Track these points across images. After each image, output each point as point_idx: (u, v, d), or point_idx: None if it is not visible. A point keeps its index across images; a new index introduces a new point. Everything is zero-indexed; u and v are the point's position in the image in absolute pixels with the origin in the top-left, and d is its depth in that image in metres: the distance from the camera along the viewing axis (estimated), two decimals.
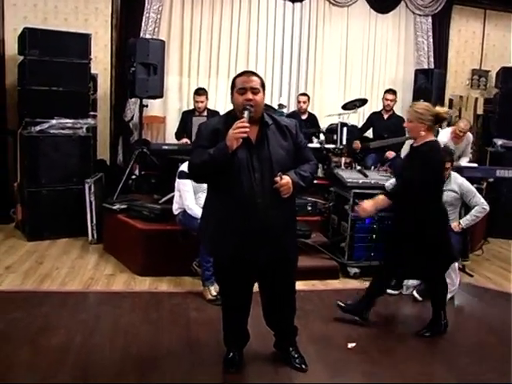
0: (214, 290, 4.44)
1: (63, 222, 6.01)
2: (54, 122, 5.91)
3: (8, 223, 6.49)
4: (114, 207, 5.50)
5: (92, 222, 5.88)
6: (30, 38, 5.94)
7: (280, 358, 3.49)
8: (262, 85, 3.04)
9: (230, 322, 3.41)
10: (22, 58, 6.23)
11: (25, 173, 6.02)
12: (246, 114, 2.88)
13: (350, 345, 3.80)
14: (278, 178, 2.93)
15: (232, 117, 3.01)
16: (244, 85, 2.96)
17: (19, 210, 6.23)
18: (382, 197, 3.93)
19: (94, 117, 6.44)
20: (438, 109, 3.88)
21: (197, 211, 4.49)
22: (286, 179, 2.94)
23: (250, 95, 2.94)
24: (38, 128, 5.86)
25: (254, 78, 2.99)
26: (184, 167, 4.72)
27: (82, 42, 6.17)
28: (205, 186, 4.70)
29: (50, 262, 5.25)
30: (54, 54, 5.97)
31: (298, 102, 7.31)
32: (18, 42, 6.30)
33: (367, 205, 3.92)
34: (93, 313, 4.22)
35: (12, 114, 6.86)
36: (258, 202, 2.95)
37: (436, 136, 4.68)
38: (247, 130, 2.83)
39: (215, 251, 3.22)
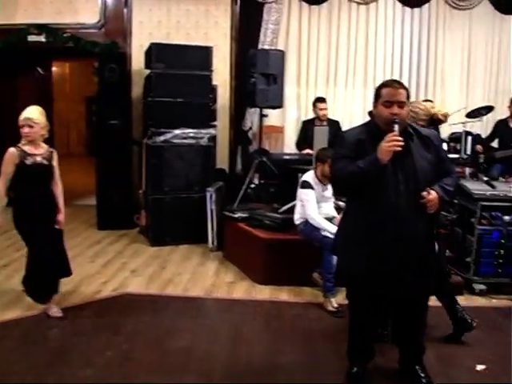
0: (334, 301, 4.36)
1: (184, 229, 6.20)
2: (177, 132, 6.13)
3: (132, 228, 6.82)
4: (235, 215, 5.58)
5: (213, 229, 6.00)
6: (156, 52, 6.21)
7: (405, 376, 3.33)
8: (408, 96, 2.94)
9: (356, 336, 3.29)
10: (147, 71, 6.54)
11: (149, 180, 6.28)
12: (396, 127, 2.80)
13: (479, 367, 3.55)
14: (425, 193, 2.84)
15: (374, 127, 2.97)
16: (391, 98, 2.88)
17: (143, 216, 6.52)
18: None
19: (214, 127, 6.59)
20: (436, 110, 3.63)
21: (319, 221, 4.44)
22: (434, 195, 2.86)
23: (396, 109, 2.85)
24: (162, 138, 6.10)
25: (401, 91, 2.90)
26: (306, 177, 4.70)
27: (203, 54, 6.36)
28: (328, 195, 4.71)
29: (172, 268, 5.42)
30: (177, 67, 6.19)
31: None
32: (145, 57, 6.61)
33: None
34: (215, 319, 4.29)
35: (137, 125, 7.21)
36: (403, 215, 2.86)
37: None
38: (401, 143, 2.77)
39: (351, 263, 3.10)
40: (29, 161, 3.95)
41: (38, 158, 4.00)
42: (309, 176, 4.73)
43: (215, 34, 7.49)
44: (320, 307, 4.45)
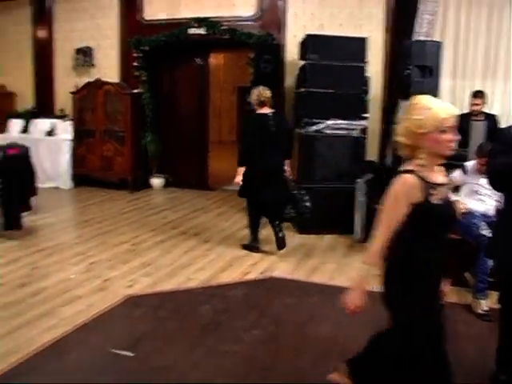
0: (484, 304, 4.16)
1: (331, 219, 6.24)
2: (329, 122, 6.19)
3: None
4: None
5: (360, 221, 5.99)
6: (311, 43, 6.30)
7: None
8: None
9: (510, 345, 3.07)
10: (301, 62, 6.65)
11: (300, 169, 6.40)
12: None
13: None
14: None
15: None
16: None
17: None
18: None
19: (366, 118, 6.54)
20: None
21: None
22: None
23: None
24: (314, 128, 6.19)
25: None
26: (468, 163, 4.69)
27: (358, 45, 6.34)
28: (485, 192, 4.51)
29: (318, 256, 5.51)
30: (331, 58, 6.23)
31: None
32: (300, 48, 6.72)
33: None
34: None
35: (288, 114, 7.37)
36: None
37: None
38: None
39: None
40: (435, 196, 2.32)
41: (444, 191, 2.40)
42: (470, 163, 4.67)
43: (369, 26, 7.41)
44: (468, 309, 4.26)
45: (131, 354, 3.36)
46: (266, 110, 5.37)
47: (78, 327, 3.74)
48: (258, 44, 7.56)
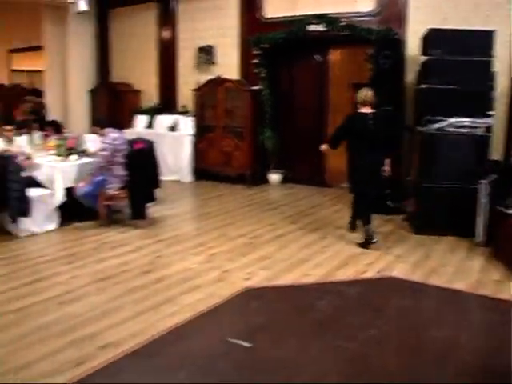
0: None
1: (451, 220, 6.04)
2: (452, 120, 5.98)
3: (398, 214, 6.87)
4: (510, 211, 5.26)
5: (483, 223, 5.74)
6: (434, 38, 6.13)
7: None
8: None
9: None
10: (423, 58, 6.47)
11: (420, 167, 6.25)
12: None
13: None
14: None
15: None
16: None
17: (411, 204, 6.53)
18: None
19: (491, 116, 6.24)
20: None
21: None
22: None
23: None
24: (436, 126, 6.01)
25: None
26: None
27: (484, 39, 6.05)
28: None
29: (436, 258, 5.36)
30: (455, 53, 6.00)
31: None
32: (422, 43, 6.54)
33: None
34: (478, 316, 4.17)
35: (409, 111, 7.22)
36: None
37: None
38: None
39: None
40: None
41: None
42: None
43: (496, 17, 7.03)
44: None
45: (248, 345, 3.48)
46: (367, 110, 5.60)
47: (197, 315, 3.94)
48: (377, 40, 7.45)
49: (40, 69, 12.40)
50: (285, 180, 9.17)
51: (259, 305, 4.21)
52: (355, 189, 5.81)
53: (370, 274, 4.88)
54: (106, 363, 3.25)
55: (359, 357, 3.39)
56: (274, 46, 8.73)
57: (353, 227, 6.15)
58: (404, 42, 7.59)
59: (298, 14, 8.47)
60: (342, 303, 4.23)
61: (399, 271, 4.95)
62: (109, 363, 3.25)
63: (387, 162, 5.74)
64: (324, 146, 6.01)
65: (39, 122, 8.72)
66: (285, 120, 9.11)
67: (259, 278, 4.72)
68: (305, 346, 3.52)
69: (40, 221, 6.13)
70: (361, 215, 5.80)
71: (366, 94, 5.62)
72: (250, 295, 4.36)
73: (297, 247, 5.64)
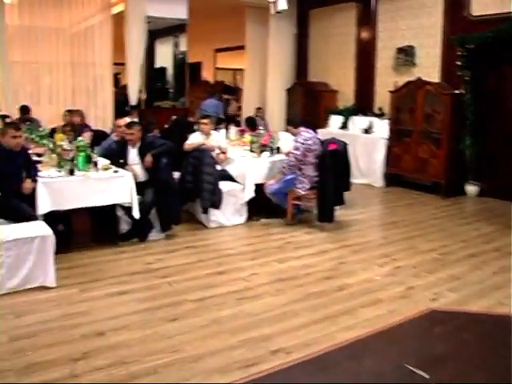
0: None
1: None
2: None
3: None
4: None
5: None
6: None
7: None
8: None
9: None
10: None
11: None
12: None
13: None
14: None
15: None
16: None
17: None
18: None
19: None
20: None
21: None
22: None
23: None
24: None
25: None
26: None
27: None
28: None
29: None
30: None
31: None
32: None
33: None
34: None
35: None
36: None
37: None
38: None
39: None
40: None
41: None
42: None
43: None
44: None
45: (427, 376, 3.21)
46: None
47: (376, 332, 3.77)
48: None
49: (242, 67, 13.12)
50: (482, 193, 8.43)
51: (444, 330, 3.89)
52: None
53: None
54: (275, 369, 3.23)
55: None
56: (481, 47, 8.06)
57: None
58: None
59: (508, 10, 7.72)
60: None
61: None
62: (278, 370, 3.23)
63: None
64: None
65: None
66: (489, 128, 8.33)
67: (446, 300, 4.38)
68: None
69: (229, 214, 6.46)
70: None
71: None
72: (435, 318, 4.07)
73: (491, 270, 5.12)
